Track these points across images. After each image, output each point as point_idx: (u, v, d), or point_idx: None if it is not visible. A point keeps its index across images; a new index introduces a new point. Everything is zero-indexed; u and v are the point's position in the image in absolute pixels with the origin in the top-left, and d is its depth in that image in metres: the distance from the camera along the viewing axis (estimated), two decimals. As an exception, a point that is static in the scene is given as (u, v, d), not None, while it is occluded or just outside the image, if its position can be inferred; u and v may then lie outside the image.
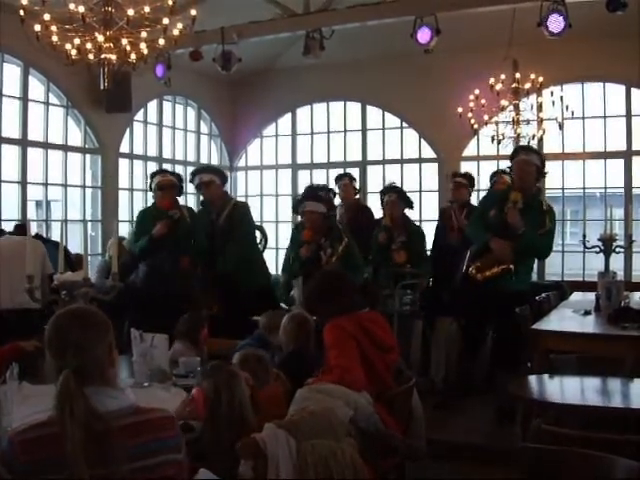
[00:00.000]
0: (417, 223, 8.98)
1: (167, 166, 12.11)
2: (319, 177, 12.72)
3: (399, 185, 8.84)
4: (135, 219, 7.92)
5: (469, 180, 8.59)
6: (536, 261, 10.68)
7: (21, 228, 7.43)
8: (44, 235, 9.00)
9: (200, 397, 3.29)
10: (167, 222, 7.06)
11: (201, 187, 7.50)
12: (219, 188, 7.52)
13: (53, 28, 5.82)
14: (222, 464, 2.98)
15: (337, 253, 6.58)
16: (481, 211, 7.11)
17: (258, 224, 10.06)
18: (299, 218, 7.89)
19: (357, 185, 9.67)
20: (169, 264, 7.10)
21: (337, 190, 9.19)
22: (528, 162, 6.71)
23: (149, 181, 7.55)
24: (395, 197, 8.03)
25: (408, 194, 8.38)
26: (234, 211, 7.50)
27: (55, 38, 5.87)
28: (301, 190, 8.48)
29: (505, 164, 10.25)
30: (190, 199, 11.83)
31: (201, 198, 7.96)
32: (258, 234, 9.10)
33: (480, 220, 6.93)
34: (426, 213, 11.73)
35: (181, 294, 6.85)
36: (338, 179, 9.36)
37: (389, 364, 4.36)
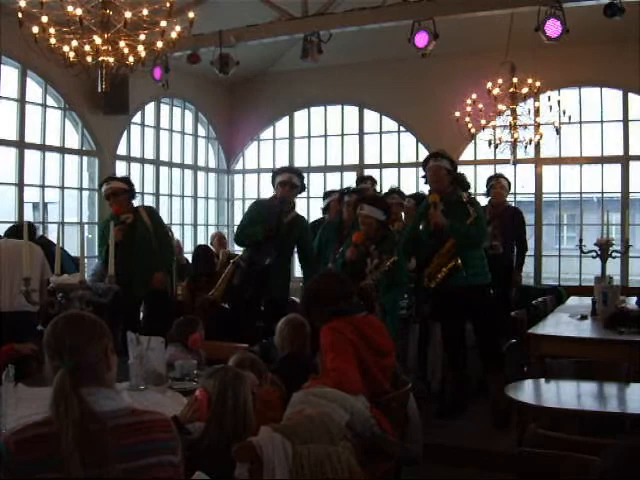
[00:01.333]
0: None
1: (164, 169, 12.16)
2: (316, 181, 12.72)
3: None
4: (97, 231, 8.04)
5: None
6: (532, 264, 10.77)
7: (16, 230, 7.42)
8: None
9: (204, 397, 3.28)
10: (120, 227, 7.11)
11: (286, 185, 7.56)
12: (295, 192, 7.67)
13: (51, 30, 5.81)
14: (220, 467, 2.98)
15: (383, 266, 6.46)
16: (410, 229, 7.17)
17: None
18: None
19: (377, 188, 9.60)
20: (121, 269, 7.05)
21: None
22: (438, 167, 6.88)
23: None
24: (413, 203, 8.11)
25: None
26: (297, 218, 7.66)
27: (53, 40, 5.86)
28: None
29: (502, 169, 10.34)
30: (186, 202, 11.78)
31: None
32: None
33: (408, 239, 7.06)
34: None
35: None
36: (359, 182, 9.26)
37: (385, 368, 4.35)
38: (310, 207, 12.43)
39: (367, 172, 12.45)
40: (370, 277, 6.38)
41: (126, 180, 7.71)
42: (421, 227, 6.88)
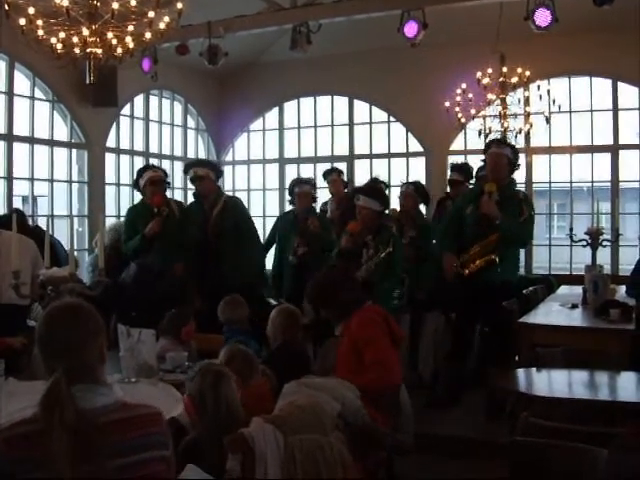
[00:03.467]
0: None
1: (154, 161, 12.05)
2: (306, 171, 12.71)
3: (386, 180, 8.87)
4: (124, 218, 7.85)
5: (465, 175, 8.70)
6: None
7: (6, 220, 7.37)
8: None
9: (188, 402, 3.29)
10: (159, 220, 7.03)
11: (195, 180, 7.46)
12: (213, 183, 7.50)
13: (38, 22, 5.76)
14: (211, 462, 2.97)
15: (378, 258, 6.44)
16: (455, 212, 7.14)
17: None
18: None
19: (345, 179, 9.64)
20: (159, 263, 7.08)
21: (326, 185, 9.20)
22: (500, 155, 6.81)
23: (136, 177, 7.49)
24: (412, 189, 8.07)
25: (395, 189, 8.40)
26: (226, 206, 7.45)
27: (40, 32, 5.81)
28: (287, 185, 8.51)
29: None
30: (176, 193, 11.76)
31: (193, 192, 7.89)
32: None
33: (451, 224, 7.07)
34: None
35: (169, 294, 6.80)
36: (326, 174, 9.30)
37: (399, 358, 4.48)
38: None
39: (357, 162, 12.51)
40: (365, 267, 6.37)
41: (164, 171, 7.61)
42: (468, 211, 6.86)
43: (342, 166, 11.24)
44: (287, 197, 8.48)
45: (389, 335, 4.39)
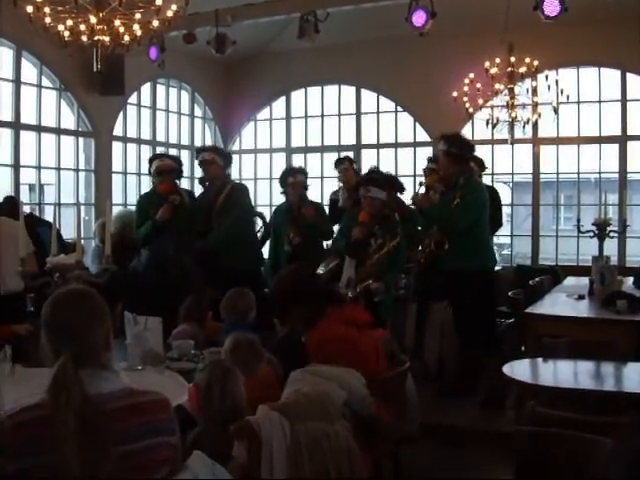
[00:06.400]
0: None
1: (160, 149, 12.08)
2: (313, 161, 12.70)
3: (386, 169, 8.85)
4: (136, 205, 7.87)
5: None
6: (531, 244, 10.77)
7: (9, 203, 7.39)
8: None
9: (193, 393, 3.30)
10: (169, 207, 7.05)
11: (202, 165, 7.48)
12: (220, 169, 7.50)
13: (46, 10, 5.77)
14: (215, 450, 2.98)
15: (386, 247, 6.48)
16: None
17: (259, 211, 10.06)
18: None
19: (356, 168, 9.56)
20: (172, 249, 7.10)
21: (337, 174, 9.13)
22: (437, 151, 7.09)
23: (148, 166, 7.54)
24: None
25: (401, 178, 8.35)
26: (232, 192, 7.45)
27: (48, 20, 5.82)
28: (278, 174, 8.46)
29: (500, 148, 10.34)
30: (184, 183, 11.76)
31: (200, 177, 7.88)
32: (259, 221, 9.09)
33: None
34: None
35: (181, 281, 6.83)
36: (338, 163, 9.23)
37: (376, 341, 4.34)
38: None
39: (364, 152, 12.48)
40: (373, 256, 6.42)
41: (177, 160, 7.64)
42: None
43: (349, 155, 11.19)
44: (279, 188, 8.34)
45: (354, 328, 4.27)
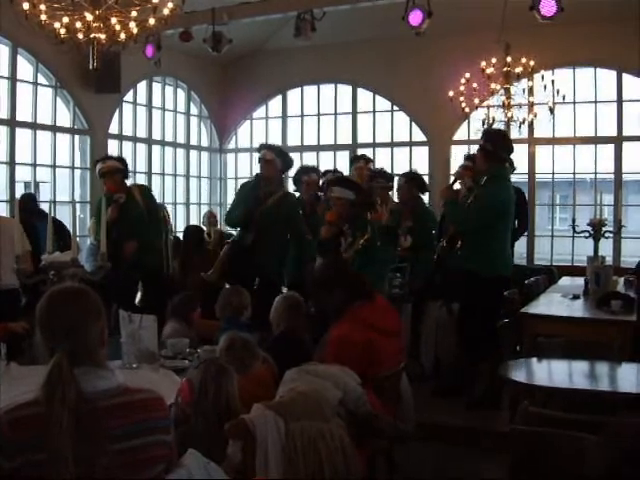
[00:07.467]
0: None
1: (157, 148, 12.12)
2: (309, 160, 12.69)
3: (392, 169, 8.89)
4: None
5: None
6: (526, 244, 10.78)
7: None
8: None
9: (186, 388, 3.29)
10: (115, 206, 7.15)
11: (261, 162, 7.46)
12: (277, 171, 7.46)
13: (42, 7, 5.76)
14: (209, 449, 2.97)
15: (356, 245, 6.50)
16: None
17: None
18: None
19: (372, 167, 9.46)
20: (112, 250, 7.06)
21: (352, 172, 9.08)
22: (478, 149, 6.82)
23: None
24: (403, 181, 8.07)
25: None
26: (284, 199, 7.42)
27: (44, 17, 5.81)
28: (291, 172, 8.45)
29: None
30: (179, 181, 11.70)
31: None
32: None
33: None
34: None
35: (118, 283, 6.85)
36: (354, 160, 9.15)
37: (399, 351, 4.49)
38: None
39: (360, 151, 12.44)
40: (344, 255, 6.44)
41: (121, 159, 7.73)
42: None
43: (345, 155, 11.23)
44: (292, 186, 8.39)
45: (378, 335, 4.33)
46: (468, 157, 7.85)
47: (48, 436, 2.12)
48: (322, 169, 8.81)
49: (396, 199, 8.34)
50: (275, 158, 7.38)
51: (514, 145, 6.81)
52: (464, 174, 6.81)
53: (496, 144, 6.60)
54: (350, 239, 6.53)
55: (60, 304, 2.35)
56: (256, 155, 13.15)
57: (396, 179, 8.38)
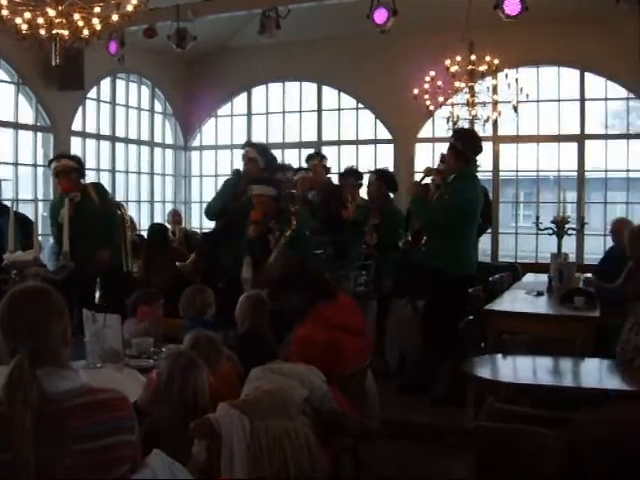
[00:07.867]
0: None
1: (120, 145, 12.01)
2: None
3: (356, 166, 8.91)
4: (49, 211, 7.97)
5: None
6: (490, 241, 10.84)
7: None
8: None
9: (154, 378, 3.27)
10: (71, 205, 7.05)
11: (244, 159, 7.48)
12: (259, 169, 7.42)
13: (3, 2, 5.69)
14: (175, 448, 2.95)
15: (285, 238, 6.53)
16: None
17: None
18: None
19: (328, 164, 9.48)
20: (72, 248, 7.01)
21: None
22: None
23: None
24: (374, 178, 8.08)
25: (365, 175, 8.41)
26: None
27: (5, 12, 5.74)
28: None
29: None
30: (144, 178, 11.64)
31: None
32: None
33: None
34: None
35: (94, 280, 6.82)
36: (309, 159, 9.18)
37: (365, 349, 4.49)
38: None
39: (325, 149, 12.44)
40: (275, 251, 6.45)
41: (75, 158, 7.69)
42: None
43: (310, 152, 11.19)
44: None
45: (342, 335, 4.32)
46: (443, 160, 7.92)
47: (11, 437, 2.09)
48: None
49: (365, 196, 8.33)
50: (257, 156, 7.40)
51: (479, 143, 6.86)
52: (436, 173, 6.85)
53: (464, 143, 6.65)
54: (278, 234, 6.57)
55: (22, 304, 2.33)
56: (221, 152, 13.30)
57: (366, 176, 8.38)
